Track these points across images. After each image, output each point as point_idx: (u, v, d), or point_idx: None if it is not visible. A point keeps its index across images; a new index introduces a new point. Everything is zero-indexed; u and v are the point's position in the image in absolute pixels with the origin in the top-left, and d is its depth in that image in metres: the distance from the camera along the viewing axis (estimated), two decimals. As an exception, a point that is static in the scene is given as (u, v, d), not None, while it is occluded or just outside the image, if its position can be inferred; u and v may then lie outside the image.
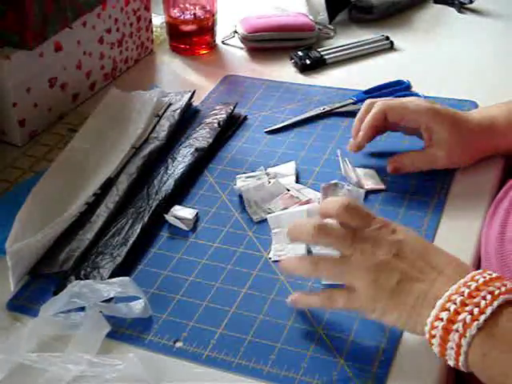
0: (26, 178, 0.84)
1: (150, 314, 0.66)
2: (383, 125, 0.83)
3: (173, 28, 1.13)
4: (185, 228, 0.76)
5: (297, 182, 0.83)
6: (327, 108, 0.96)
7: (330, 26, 1.20)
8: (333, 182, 0.79)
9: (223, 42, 1.18)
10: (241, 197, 0.80)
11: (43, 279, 0.70)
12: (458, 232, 0.76)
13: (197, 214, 0.78)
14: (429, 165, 0.82)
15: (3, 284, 0.69)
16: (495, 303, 0.52)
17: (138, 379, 0.59)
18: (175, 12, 1.12)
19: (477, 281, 0.55)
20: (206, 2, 1.12)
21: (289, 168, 0.84)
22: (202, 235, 0.76)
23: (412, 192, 0.81)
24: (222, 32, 1.17)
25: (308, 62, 1.08)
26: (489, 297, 0.53)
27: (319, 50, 1.11)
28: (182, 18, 1.12)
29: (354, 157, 0.85)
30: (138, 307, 0.65)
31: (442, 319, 0.53)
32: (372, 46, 1.14)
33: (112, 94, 0.95)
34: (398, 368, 0.60)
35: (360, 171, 0.83)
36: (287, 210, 0.76)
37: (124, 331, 0.64)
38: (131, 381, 0.59)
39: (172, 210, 0.78)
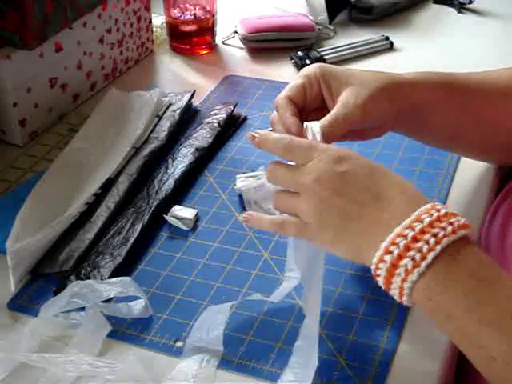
0: (26, 177, 0.84)
1: (150, 313, 0.66)
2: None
3: (173, 28, 1.14)
4: (185, 228, 0.76)
5: (297, 182, 0.83)
6: (327, 108, 0.96)
7: (330, 26, 1.21)
8: None
9: (223, 42, 1.18)
10: (241, 197, 0.80)
11: (43, 279, 0.70)
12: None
13: (197, 213, 0.78)
14: (344, 121, 0.66)
15: (4, 284, 0.69)
16: (438, 248, 0.51)
17: (137, 379, 0.59)
18: (175, 12, 1.12)
19: (422, 221, 0.52)
20: (206, 2, 1.12)
21: (289, 168, 0.84)
22: (202, 235, 0.76)
23: (412, 192, 0.81)
24: (222, 32, 1.17)
25: (308, 62, 1.08)
26: (432, 240, 0.51)
27: (319, 49, 1.12)
28: (182, 18, 1.12)
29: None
30: (138, 307, 0.66)
31: (385, 261, 0.53)
32: (372, 45, 1.14)
33: (112, 94, 0.95)
34: (398, 368, 0.61)
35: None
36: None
37: (124, 331, 0.64)
38: (131, 381, 0.59)
39: (172, 209, 0.78)
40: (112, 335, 0.64)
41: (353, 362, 0.61)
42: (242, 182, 0.82)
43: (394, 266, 0.52)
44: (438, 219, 0.53)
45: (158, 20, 1.18)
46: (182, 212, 0.78)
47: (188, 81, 1.07)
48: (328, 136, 0.65)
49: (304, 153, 0.60)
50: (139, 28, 1.09)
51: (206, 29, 1.13)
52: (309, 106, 0.70)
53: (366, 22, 1.23)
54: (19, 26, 0.84)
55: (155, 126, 0.91)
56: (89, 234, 0.74)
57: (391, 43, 1.15)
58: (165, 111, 0.93)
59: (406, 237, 0.52)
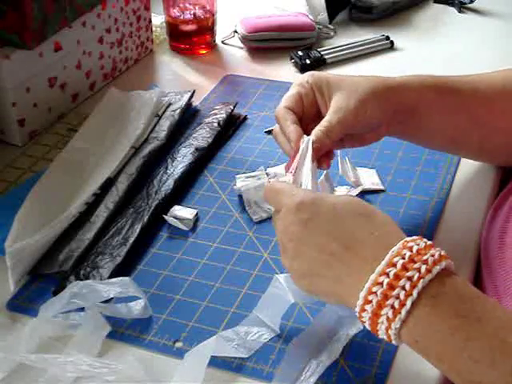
0: (25, 177, 0.84)
1: (149, 314, 0.66)
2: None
3: (173, 28, 1.13)
4: (184, 228, 0.76)
5: (297, 181, 0.82)
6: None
7: (330, 25, 1.20)
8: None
9: (223, 42, 1.18)
10: (241, 197, 0.80)
11: (43, 279, 0.70)
12: (457, 233, 0.75)
13: (197, 213, 0.78)
14: (338, 125, 0.68)
15: (3, 284, 0.69)
16: (414, 292, 0.50)
17: (137, 380, 0.59)
18: (175, 12, 1.12)
19: (395, 264, 0.51)
20: (206, 2, 1.12)
21: (289, 168, 0.84)
22: (202, 235, 0.76)
23: (412, 192, 0.81)
24: (221, 32, 1.17)
25: (308, 61, 1.08)
26: (408, 285, 0.50)
27: (319, 49, 1.11)
28: (181, 17, 1.12)
29: (354, 156, 0.85)
30: (137, 307, 0.65)
31: (366, 311, 0.52)
32: (372, 45, 1.14)
33: (112, 94, 0.95)
34: (398, 368, 0.60)
35: (360, 171, 0.83)
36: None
37: (124, 331, 0.64)
38: (131, 381, 0.59)
39: (172, 210, 0.78)
40: (111, 336, 0.64)
41: (353, 362, 0.61)
42: (242, 182, 0.81)
43: (376, 315, 0.52)
44: (411, 260, 0.51)
45: (158, 19, 1.18)
46: (182, 212, 0.77)
47: (188, 80, 1.07)
48: (323, 142, 0.66)
49: (275, 200, 0.61)
50: (139, 27, 1.09)
51: (205, 28, 1.13)
52: (307, 113, 0.71)
53: (366, 22, 1.23)
54: (18, 26, 0.84)
55: (155, 125, 0.91)
56: (88, 234, 0.74)
57: (391, 43, 1.15)
58: (164, 111, 0.93)
59: (382, 284, 0.51)
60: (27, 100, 0.90)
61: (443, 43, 1.17)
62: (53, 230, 0.73)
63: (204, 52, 1.15)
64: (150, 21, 1.12)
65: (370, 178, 0.82)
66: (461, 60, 1.10)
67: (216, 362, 0.61)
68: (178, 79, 1.08)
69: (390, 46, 1.15)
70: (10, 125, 0.90)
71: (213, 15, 1.12)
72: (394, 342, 0.52)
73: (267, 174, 0.83)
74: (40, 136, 0.93)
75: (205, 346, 0.60)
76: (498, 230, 0.71)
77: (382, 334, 0.53)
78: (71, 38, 0.95)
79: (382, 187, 0.81)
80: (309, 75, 0.72)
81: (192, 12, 1.12)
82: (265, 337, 0.63)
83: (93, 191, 0.78)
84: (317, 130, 0.67)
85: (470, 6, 1.28)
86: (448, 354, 0.50)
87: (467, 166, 0.85)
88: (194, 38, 1.14)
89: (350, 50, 1.12)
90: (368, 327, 0.53)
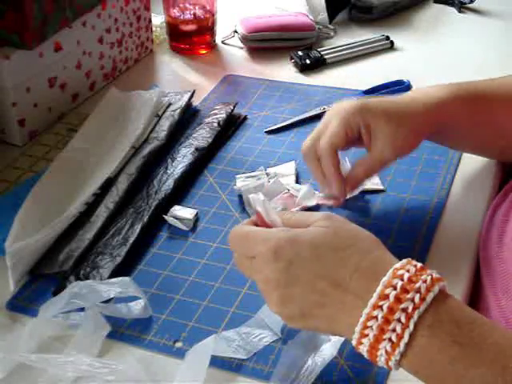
0: (25, 177, 0.84)
1: (149, 314, 0.66)
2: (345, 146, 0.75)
3: (173, 28, 1.13)
4: (184, 228, 0.76)
5: (297, 182, 0.83)
6: (327, 108, 0.96)
7: (330, 25, 1.20)
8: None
9: (223, 42, 1.18)
10: (241, 197, 0.80)
11: (43, 279, 0.70)
12: (457, 233, 0.75)
13: (197, 213, 0.78)
14: (380, 164, 0.73)
15: (3, 284, 0.69)
16: (411, 324, 0.49)
17: (137, 380, 0.59)
18: (175, 12, 1.12)
19: (388, 296, 0.50)
20: (206, 2, 1.12)
21: (289, 168, 0.84)
22: (202, 235, 0.76)
23: (412, 192, 0.81)
24: (221, 32, 1.17)
25: (308, 61, 1.08)
26: (403, 318, 0.49)
27: (319, 49, 1.11)
28: (181, 17, 1.12)
29: (354, 156, 0.84)
30: (137, 307, 0.65)
31: (364, 344, 0.51)
32: (372, 45, 1.14)
33: (112, 94, 0.95)
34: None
35: (360, 171, 0.83)
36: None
37: (124, 331, 0.64)
38: (130, 381, 0.59)
39: (172, 210, 0.78)
40: (111, 336, 0.63)
41: (353, 362, 0.61)
42: (241, 182, 0.81)
43: (374, 348, 0.51)
44: (404, 290, 0.50)
45: (158, 19, 1.18)
46: (182, 212, 0.77)
47: (188, 80, 1.07)
48: (362, 177, 0.74)
49: (244, 246, 0.58)
50: (139, 27, 1.09)
51: (205, 28, 1.13)
52: (349, 144, 0.74)
53: (366, 22, 1.23)
54: (19, 26, 0.84)
55: (155, 125, 0.91)
56: (88, 234, 0.74)
57: (391, 43, 1.15)
58: (164, 111, 0.93)
59: (376, 318, 0.50)
60: (27, 100, 0.90)
61: (443, 43, 1.17)
62: (53, 230, 0.73)
63: (204, 52, 1.15)
64: (150, 21, 1.12)
65: (370, 178, 0.82)
66: (461, 60, 1.10)
67: (216, 362, 0.61)
68: (177, 79, 1.08)
69: (390, 46, 1.15)
70: (10, 125, 0.90)
71: (213, 15, 1.12)
72: (395, 370, 0.51)
73: (267, 174, 0.83)
74: (40, 136, 0.93)
75: (205, 344, 0.60)
76: (497, 230, 0.71)
77: (382, 364, 0.52)
78: (71, 37, 0.95)
79: (381, 187, 0.81)
80: (354, 107, 0.73)
81: (192, 12, 1.12)
82: (266, 339, 0.63)
83: (93, 191, 0.78)
84: (359, 169, 0.74)
85: (470, 6, 1.28)
86: (449, 382, 0.49)
87: (467, 166, 0.85)
88: (194, 38, 1.14)
89: (350, 50, 1.12)
90: (367, 358, 0.52)
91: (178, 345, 0.63)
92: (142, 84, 1.03)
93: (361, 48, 1.13)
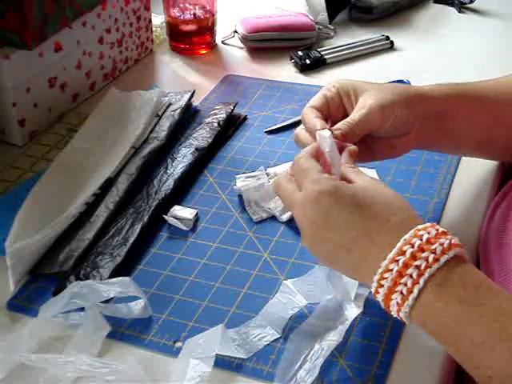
0: (25, 178, 0.84)
1: (149, 314, 0.66)
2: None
3: (173, 28, 1.13)
4: (184, 228, 0.76)
5: (297, 181, 0.82)
6: (327, 108, 0.96)
7: (330, 25, 1.20)
8: None
9: (223, 42, 1.18)
10: (241, 197, 0.80)
11: (43, 279, 0.70)
12: (457, 233, 0.75)
13: (197, 213, 0.78)
14: (366, 116, 0.67)
15: (3, 284, 0.69)
16: (421, 281, 0.53)
17: (137, 380, 0.59)
18: (175, 12, 1.12)
19: (404, 253, 0.53)
20: (206, 2, 1.12)
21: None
22: (202, 235, 0.76)
23: (412, 192, 0.81)
24: (221, 32, 1.17)
25: (308, 61, 1.08)
26: (415, 274, 0.53)
27: (319, 49, 1.11)
28: (181, 17, 1.12)
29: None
30: (137, 307, 0.65)
31: (379, 293, 0.55)
32: (372, 45, 1.14)
33: (112, 94, 0.95)
34: (398, 368, 0.60)
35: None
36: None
37: (124, 331, 0.64)
38: (131, 381, 0.59)
39: (172, 210, 0.78)
40: (111, 336, 0.64)
41: (353, 362, 0.61)
42: (242, 182, 0.81)
43: (387, 297, 0.55)
44: (420, 249, 0.54)
45: (158, 19, 1.18)
46: (182, 212, 0.78)
47: (188, 80, 1.07)
48: (346, 137, 0.66)
49: (299, 177, 0.62)
50: (139, 28, 1.09)
51: (205, 28, 1.13)
52: (333, 117, 0.70)
53: (366, 22, 1.23)
54: (19, 26, 0.84)
55: (155, 125, 0.91)
56: (88, 234, 0.74)
57: (391, 43, 1.15)
58: (164, 111, 0.93)
59: (391, 271, 0.54)
60: (27, 100, 0.90)
61: (443, 43, 1.17)
62: (53, 230, 0.73)
63: (204, 52, 1.15)
64: (150, 21, 1.12)
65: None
66: (461, 60, 1.10)
67: (216, 362, 0.61)
68: (177, 79, 1.08)
69: (390, 46, 1.15)
70: (10, 125, 0.90)
71: (213, 15, 1.12)
72: (406, 322, 0.55)
73: (267, 174, 0.83)
74: (40, 136, 0.93)
75: (211, 333, 0.62)
76: (497, 230, 0.72)
77: (394, 314, 0.55)
78: (71, 38, 0.95)
79: (381, 187, 0.81)
80: (335, 80, 0.72)
81: (192, 12, 1.12)
82: (266, 339, 0.63)
83: (93, 191, 0.78)
84: (340, 123, 0.67)
85: (469, 6, 1.28)
86: (451, 338, 0.52)
87: (467, 166, 0.85)
88: (194, 38, 1.14)
89: (350, 50, 1.12)
90: (382, 305, 0.56)
91: (178, 345, 0.63)
92: (141, 84, 1.03)
93: (361, 48, 1.13)
